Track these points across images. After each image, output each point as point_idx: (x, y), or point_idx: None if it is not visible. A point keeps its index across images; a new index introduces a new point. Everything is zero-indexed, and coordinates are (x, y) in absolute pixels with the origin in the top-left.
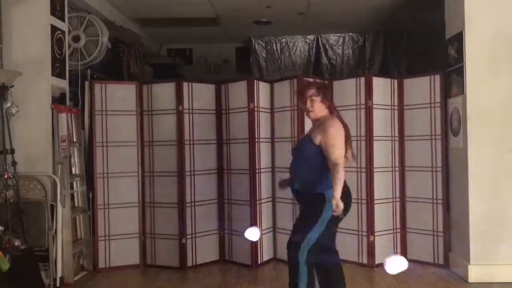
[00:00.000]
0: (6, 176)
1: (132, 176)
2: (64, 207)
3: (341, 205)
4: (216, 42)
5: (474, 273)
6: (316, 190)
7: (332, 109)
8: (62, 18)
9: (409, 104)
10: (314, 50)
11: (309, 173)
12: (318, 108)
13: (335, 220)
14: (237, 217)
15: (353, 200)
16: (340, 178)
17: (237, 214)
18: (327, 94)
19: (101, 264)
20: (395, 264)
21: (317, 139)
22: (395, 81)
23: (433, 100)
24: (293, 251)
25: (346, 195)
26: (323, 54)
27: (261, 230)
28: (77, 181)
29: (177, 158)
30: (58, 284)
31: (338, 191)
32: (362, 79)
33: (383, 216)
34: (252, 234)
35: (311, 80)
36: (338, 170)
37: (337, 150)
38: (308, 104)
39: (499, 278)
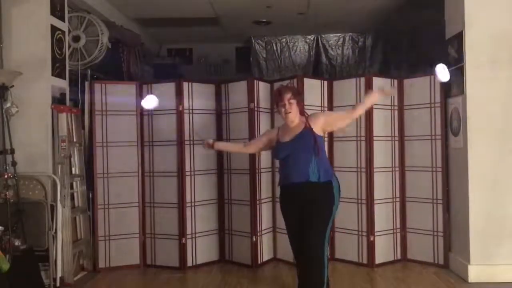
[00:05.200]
0: (6, 176)
1: (132, 176)
2: (64, 207)
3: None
4: (216, 42)
5: (474, 273)
6: (328, 177)
7: (303, 112)
8: (62, 18)
9: (409, 104)
10: (314, 50)
11: (320, 162)
12: (295, 111)
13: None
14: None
15: (353, 200)
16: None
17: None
18: (299, 99)
19: (101, 264)
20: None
21: (318, 126)
22: (395, 81)
23: (433, 100)
24: (317, 248)
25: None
26: (323, 54)
27: (261, 230)
28: (77, 181)
29: (177, 158)
30: (58, 284)
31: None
32: (362, 79)
33: (383, 216)
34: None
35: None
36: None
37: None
38: (287, 106)
39: (499, 278)
